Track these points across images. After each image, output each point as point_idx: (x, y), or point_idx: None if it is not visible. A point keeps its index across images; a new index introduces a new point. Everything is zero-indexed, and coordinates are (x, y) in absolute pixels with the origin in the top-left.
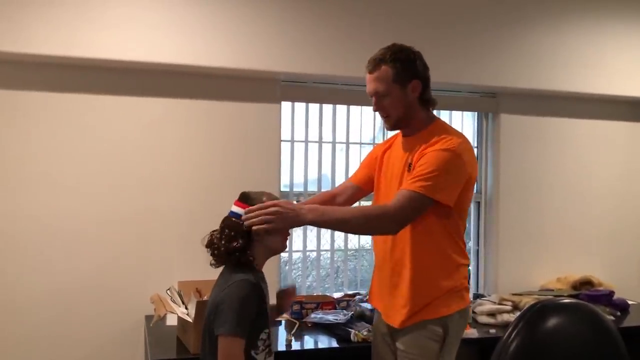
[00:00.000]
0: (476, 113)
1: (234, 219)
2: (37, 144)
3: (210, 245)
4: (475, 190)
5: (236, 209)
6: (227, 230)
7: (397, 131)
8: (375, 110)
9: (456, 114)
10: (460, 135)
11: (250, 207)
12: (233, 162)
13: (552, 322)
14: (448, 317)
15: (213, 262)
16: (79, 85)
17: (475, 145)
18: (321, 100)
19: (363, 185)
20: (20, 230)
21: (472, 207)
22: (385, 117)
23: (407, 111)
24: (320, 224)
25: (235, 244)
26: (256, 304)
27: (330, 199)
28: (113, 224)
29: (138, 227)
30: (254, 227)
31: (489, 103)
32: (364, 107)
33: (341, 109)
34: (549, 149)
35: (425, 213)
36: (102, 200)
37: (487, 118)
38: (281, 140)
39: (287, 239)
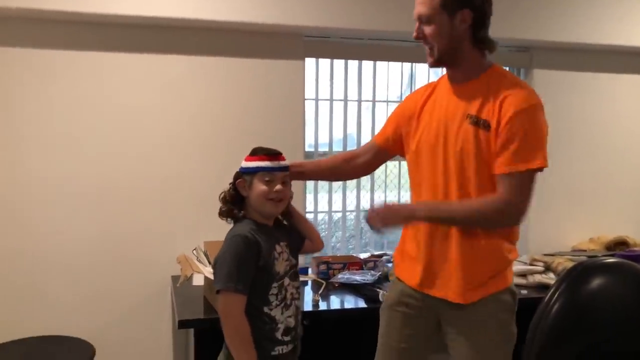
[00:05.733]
0: (508, 68)
1: (237, 171)
2: (60, 104)
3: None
4: None
5: (243, 163)
6: (230, 185)
7: (438, 71)
8: (415, 38)
9: None
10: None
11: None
12: (256, 122)
13: (596, 282)
14: (513, 283)
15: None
16: (97, 43)
17: None
18: (346, 56)
19: (389, 147)
20: (47, 192)
21: None
22: (429, 48)
23: (453, 45)
24: (431, 220)
25: (227, 195)
26: (252, 258)
27: (348, 159)
28: (138, 184)
29: (163, 188)
30: (374, 227)
31: (522, 58)
32: (391, 63)
33: (367, 65)
34: (584, 105)
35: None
36: (127, 160)
37: (519, 73)
38: (305, 99)
39: (272, 206)
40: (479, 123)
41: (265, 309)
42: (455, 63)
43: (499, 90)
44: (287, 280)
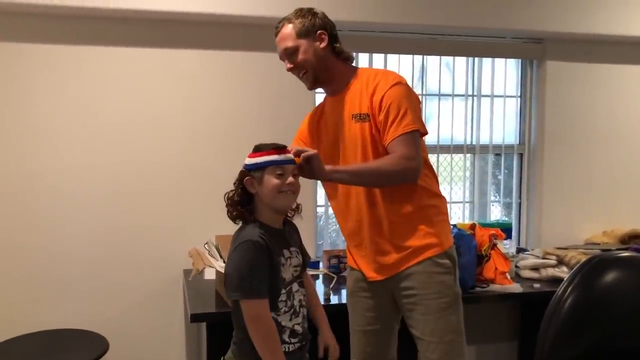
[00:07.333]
0: (520, 60)
1: (242, 170)
2: (73, 98)
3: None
4: (517, 142)
5: (247, 159)
6: (235, 183)
7: (320, 89)
8: (289, 70)
9: (499, 62)
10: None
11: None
12: (267, 115)
13: (610, 276)
14: (451, 248)
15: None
16: (110, 38)
17: (519, 94)
18: (357, 49)
19: None
20: (59, 186)
21: (515, 159)
22: (303, 74)
23: (322, 63)
24: (340, 175)
25: (235, 196)
26: (265, 262)
27: None
28: (150, 178)
29: (175, 182)
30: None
31: (534, 49)
32: (402, 56)
33: (378, 58)
34: (598, 97)
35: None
36: (139, 154)
37: (532, 65)
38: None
39: (286, 199)
40: (361, 118)
41: (273, 315)
42: (329, 79)
43: (368, 85)
44: (295, 286)
